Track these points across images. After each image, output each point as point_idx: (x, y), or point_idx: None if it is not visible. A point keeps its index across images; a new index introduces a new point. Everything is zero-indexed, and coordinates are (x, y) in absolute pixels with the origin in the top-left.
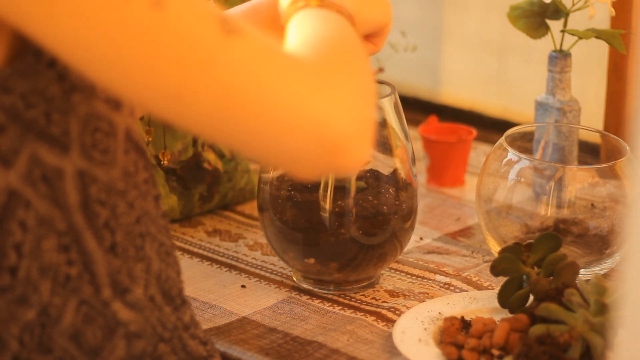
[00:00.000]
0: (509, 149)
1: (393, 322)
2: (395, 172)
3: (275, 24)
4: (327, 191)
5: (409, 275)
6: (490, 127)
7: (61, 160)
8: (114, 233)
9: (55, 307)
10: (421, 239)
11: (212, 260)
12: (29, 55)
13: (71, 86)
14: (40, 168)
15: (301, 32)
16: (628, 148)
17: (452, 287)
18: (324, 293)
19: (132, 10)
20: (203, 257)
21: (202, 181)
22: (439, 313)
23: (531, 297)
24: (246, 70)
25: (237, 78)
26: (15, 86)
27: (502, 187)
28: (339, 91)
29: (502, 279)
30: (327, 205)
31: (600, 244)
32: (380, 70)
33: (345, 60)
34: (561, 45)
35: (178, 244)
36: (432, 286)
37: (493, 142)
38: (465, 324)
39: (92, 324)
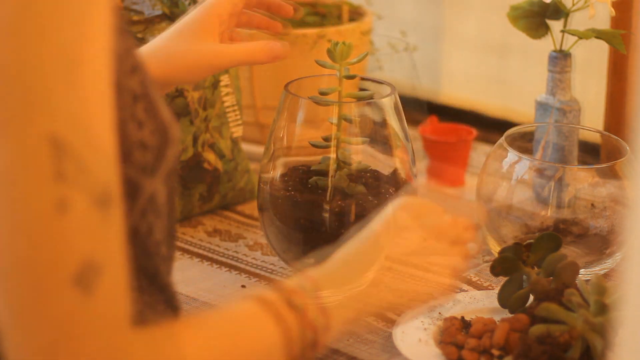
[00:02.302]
0: (509, 149)
1: (393, 322)
2: (395, 172)
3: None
4: (327, 191)
5: (408, 275)
6: (491, 127)
7: None
8: None
9: None
10: None
11: (212, 260)
12: None
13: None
14: None
15: (213, 336)
16: (628, 148)
17: (452, 287)
18: None
19: (39, 202)
20: (203, 257)
21: (202, 181)
22: (439, 313)
23: (531, 297)
24: (71, 328)
25: (61, 327)
26: None
27: (502, 187)
28: None
29: (502, 279)
30: (327, 205)
31: (600, 244)
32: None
33: None
34: (561, 45)
35: (178, 244)
36: (432, 286)
37: (493, 142)
38: (465, 324)
39: None
